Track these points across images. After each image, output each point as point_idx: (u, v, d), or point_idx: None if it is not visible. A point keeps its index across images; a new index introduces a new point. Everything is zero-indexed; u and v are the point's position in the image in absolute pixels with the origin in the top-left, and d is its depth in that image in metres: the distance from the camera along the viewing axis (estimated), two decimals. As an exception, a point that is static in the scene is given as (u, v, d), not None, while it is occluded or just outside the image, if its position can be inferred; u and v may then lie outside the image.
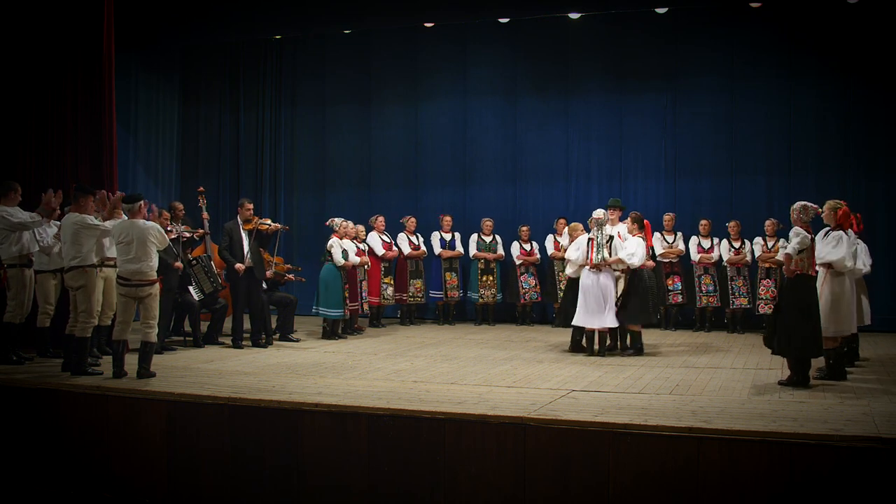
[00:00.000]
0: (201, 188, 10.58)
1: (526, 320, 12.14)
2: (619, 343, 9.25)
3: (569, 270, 9.36)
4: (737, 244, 11.03)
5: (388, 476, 6.05)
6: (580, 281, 8.97)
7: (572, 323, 9.03)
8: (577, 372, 7.86)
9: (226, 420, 6.53)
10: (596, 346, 8.93)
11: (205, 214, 10.12)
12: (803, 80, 11.62)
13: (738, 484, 5.27)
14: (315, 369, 8.05)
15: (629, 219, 9.39)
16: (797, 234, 7.04)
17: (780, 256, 10.50)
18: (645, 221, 9.48)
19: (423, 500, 5.96)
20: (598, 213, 9.06)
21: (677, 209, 11.73)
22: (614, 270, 8.97)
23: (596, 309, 8.81)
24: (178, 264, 9.07)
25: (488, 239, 12.20)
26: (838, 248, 7.29)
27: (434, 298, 12.30)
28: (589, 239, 8.99)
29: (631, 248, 8.92)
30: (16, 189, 8.36)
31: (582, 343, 9.21)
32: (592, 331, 8.92)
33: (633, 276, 9.06)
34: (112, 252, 7.87)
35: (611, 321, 8.82)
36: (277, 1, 11.49)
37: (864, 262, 8.29)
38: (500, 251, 12.19)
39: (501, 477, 5.77)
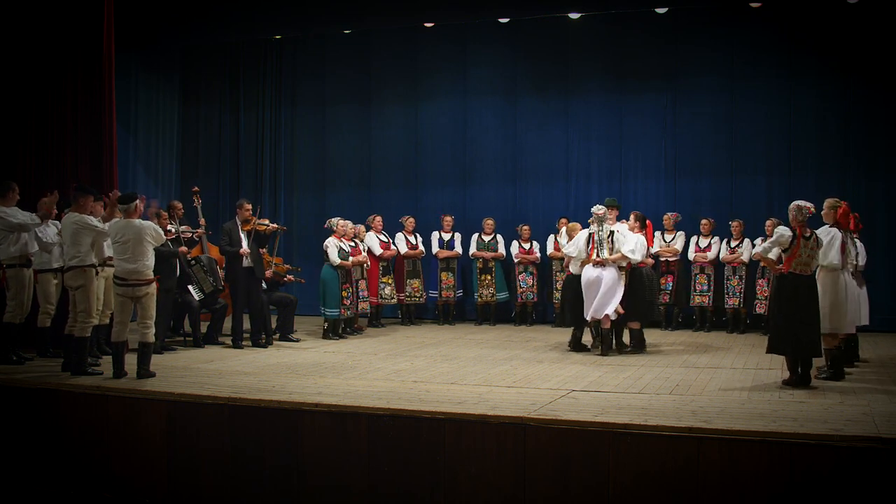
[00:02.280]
0: (196, 188, 10.49)
1: (527, 320, 12.14)
2: (614, 342, 9.22)
3: (573, 268, 9.32)
4: (735, 244, 11.03)
5: (388, 476, 6.05)
6: (582, 276, 8.98)
7: (583, 316, 8.99)
8: (577, 372, 7.86)
9: (226, 420, 6.53)
10: (600, 345, 8.93)
11: (202, 220, 9.99)
12: (803, 80, 11.61)
13: (738, 484, 5.27)
14: (315, 369, 8.05)
15: (632, 217, 9.40)
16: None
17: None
18: (647, 221, 9.48)
19: (423, 500, 5.97)
20: (599, 208, 9.06)
21: (677, 209, 11.72)
22: (618, 268, 8.97)
23: (596, 300, 8.79)
24: (183, 248, 9.14)
25: (488, 238, 12.21)
26: (837, 247, 7.31)
27: (433, 298, 12.31)
28: (590, 234, 8.99)
29: (631, 244, 8.94)
30: (14, 189, 8.36)
31: (582, 341, 9.23)
32: (597, 325, 8.89)
33: (631, 274, 9.08)
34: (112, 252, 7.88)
35: (611, 311, 8.78)
36: (277, 1, 11.48)
37: (857, 259, 8.24)
38: (501, 250, 12.19)
39: (501, 477, 5.77)
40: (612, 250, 8.86)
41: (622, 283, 8.95)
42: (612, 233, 8.92)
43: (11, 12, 9.58)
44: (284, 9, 11.53)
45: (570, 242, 9.32)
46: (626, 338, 9.36)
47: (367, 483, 6.10)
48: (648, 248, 9.55)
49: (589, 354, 8.99)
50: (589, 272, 8.91)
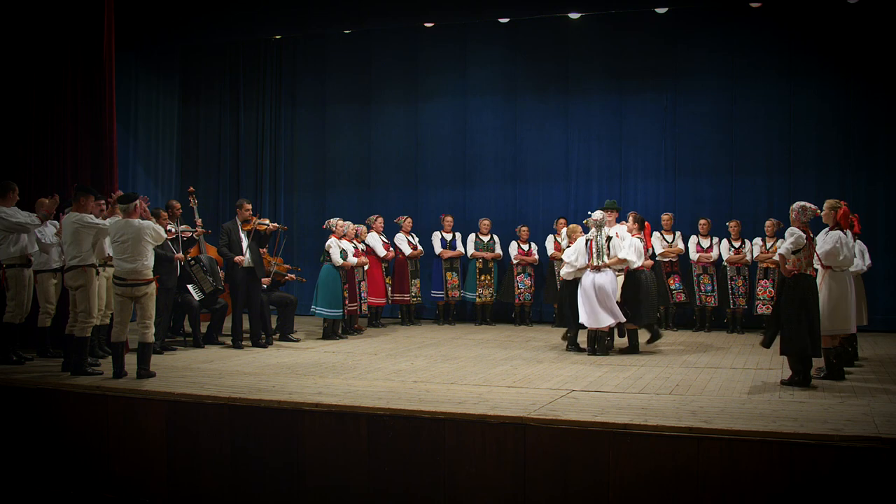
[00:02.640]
0: (191, 188, 10.44)
1: (525, 320, 12.13)
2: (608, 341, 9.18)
3: (563, 272, 9.36)
4: (737, 244, 11.03)
5: (388, 476, 6.05)
6: (581, 281, 8.98)
7: (580, 321, 9.00)
8: (577, 372, 7.86)
9: (226, 420, 6.53)
10: (595, 346, 8.94)
11: (198, 221, 9.92)
12: (803, 80, 11.61)
13: (738, 484, 5.27)
14: (315, 369, 8.05)
15: (630, 219, 9.40)
16: (792, 234, 7.06)
17: (776, 256, 10.63)
18: (645, 223, 9.48)
19: (423, 500, 5.97)
20: (597, 214, 9.06)
21: (677, 209, 11.73)
22: (616, 271, 8.99)
23: (596, 309, 8.81)
24: (179, 255, 9.13)
25: (486, 239, 12.21)
26: (832, 247, 7.29)
27: (434, 298, 12.31)
28: (588, 240, 8.99)
29: (627, 248, 8.92)
30: (14, 189, 8.36)
31: (577, 342, 9.24)
32: (594, 330, 8.92)
33: (630, 276, 9.07)
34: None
35: (610, 320, 8.83)
36: (277, 1, 11.49)
37: (861, 262, 8.28)
38: (498, 251, 12.20)
39: (501, 477, 5.77)
40: (609, 255, 8.87)
41: (618, 288, 8.96)
42: (609, 238, 8.92)
43: (11, 12, 9.58)
44: (284, 9, 11.54)
45: (570, 249, 9.30)
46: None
47: (367, 483, 6.10)
48: (648, 250, 9.53)
49: (584, 354, 8.99)
50: (587, 278, 8.89)
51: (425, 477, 5.96)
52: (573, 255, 9.14)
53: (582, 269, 8.99)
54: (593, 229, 8.98)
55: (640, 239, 9.21)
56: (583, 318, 8.91)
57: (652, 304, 9.29)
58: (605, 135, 12.50)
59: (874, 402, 6.31)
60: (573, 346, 9.31)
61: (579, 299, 8.93)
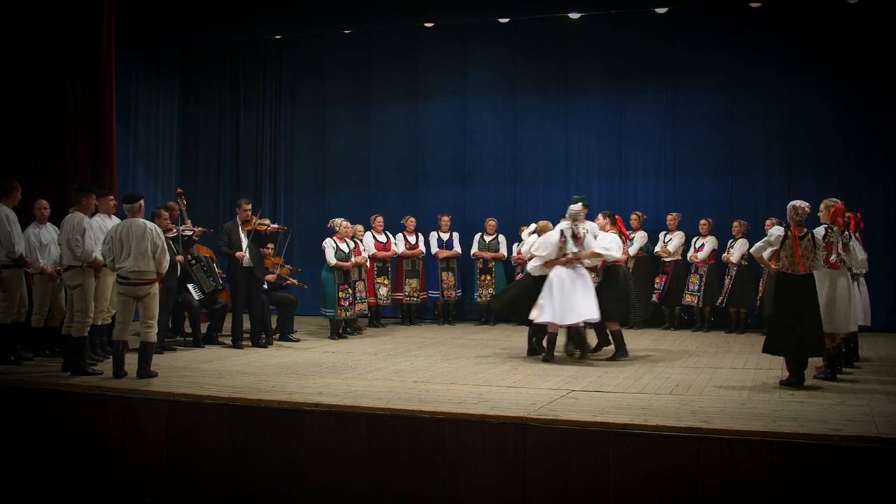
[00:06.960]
0: (180, 189, 10.35)
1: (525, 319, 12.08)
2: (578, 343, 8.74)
3: (532, 265, 8.81)
4: (729, 244, 11.07)
5: (388, 476, 6.05)
6: (551, 276, 8.46)
7: (541, 320, 8.44)
8: (577, 372, 7.86)
9: (226, 420, 6.53)
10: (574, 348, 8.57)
11: (187, 222, 9.72)
12: (803, 80, 11.61)
13: (738, 484, 5.27)
14: (315, 369, 8.05)
15: (601, 215, 9.08)
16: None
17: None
18: (616, 217, 9.10)
19: (423, 500, 5.97)
20: (575, 206, 8.64)
21: (677, 209, 11.72)
22: (588, 265, 8.63)
23: (566, 305, 8.30)
24: (180, 258, 9.11)
25: (489, 239, 12.20)
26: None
27: (433, 298, 12.31)
28: (561, 232, 8.55)
29: (606, 243, 8.64)
30: (16, 188, 8.37)
31: (543, 343, 8.78)
32: (556, 330, 8.52)
33: (606, 272, 8.74)
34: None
35: (581, 317, 8.32)
36: (277, 1, 11.49)
37: (855, 262, 8.21)
38: (502, 251, 12.19)
39: (501, 477, 5.77)
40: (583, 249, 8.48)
41: (592, 284, 8.51)
42: (584, 232, 8.55)
43: (11, 12, 9.58)
44: (284, 9, 11.54)
45: (539, 241, 8.81)
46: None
47: (367, 483, 6.10)
48: (628, 244, 9.22)
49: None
50: (559, 272, 8.44)
51: (425, 477, 5.96)
52: (545, 247, 8.58)
53: (551, 263, 8.50)
54: (567, 222, 8.57)
55: (615, 233, 8.88)
56: (548, 316, 8.35)
57: (629, 301, 8.74)
58: (605, 135, 12.49)
59: (874, 402, 6.31)
60: (534, 350, 8.88)
61: (544, 294, 8.40)
